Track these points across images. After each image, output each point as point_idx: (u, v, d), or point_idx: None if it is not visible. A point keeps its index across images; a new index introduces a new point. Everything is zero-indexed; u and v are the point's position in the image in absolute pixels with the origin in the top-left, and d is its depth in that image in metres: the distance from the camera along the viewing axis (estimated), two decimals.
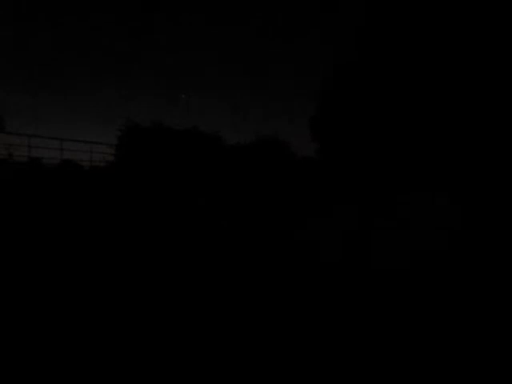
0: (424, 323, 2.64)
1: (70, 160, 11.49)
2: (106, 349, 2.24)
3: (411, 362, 2.13)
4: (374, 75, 13.29)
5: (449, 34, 10.88)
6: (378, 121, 13.15)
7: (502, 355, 2.20)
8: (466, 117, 10.46)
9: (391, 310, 2.89)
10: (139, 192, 9.73)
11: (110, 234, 5.19)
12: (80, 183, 9.47)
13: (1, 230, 5.10)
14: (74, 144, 14.25)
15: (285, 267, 4.03)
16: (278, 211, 8.77)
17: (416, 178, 9.81)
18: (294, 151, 17.44)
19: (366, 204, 8.95)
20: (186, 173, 12.86)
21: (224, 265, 4.06)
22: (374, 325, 2.61)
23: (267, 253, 4.59)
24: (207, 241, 5.14)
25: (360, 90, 13.89)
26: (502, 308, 2.94)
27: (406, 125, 12.24)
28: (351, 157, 14.28)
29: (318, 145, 17.13)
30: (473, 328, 2.57)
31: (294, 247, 4.93)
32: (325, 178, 14.07)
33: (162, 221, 5.88)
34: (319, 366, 2.09)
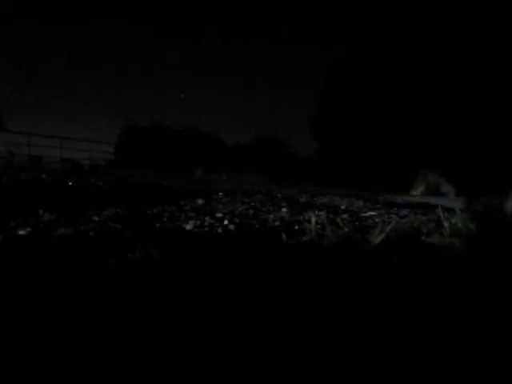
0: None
1: (69, 158, 11.48)
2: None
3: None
4: (372, 78, 13.30)
5: (444, 44, 10.95)
6: (374, 123, 13.16)
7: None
8: (451, 124, 10.56)
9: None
10: (138, 191, 9.69)
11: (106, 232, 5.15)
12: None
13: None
14: (75, 143, 14.26)
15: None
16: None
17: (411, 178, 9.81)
18: (293, 151, 17.43)
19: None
20: (186, 172, 12.85)
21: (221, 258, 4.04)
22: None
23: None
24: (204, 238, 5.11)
25: (358, 92, 13.91)
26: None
27: (399, 127, 12.28)
28: (350, 156, 14.29)
29: (318, 145, 17.16)
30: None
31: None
32: (325, 177, 14.04)
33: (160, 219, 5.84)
34: None
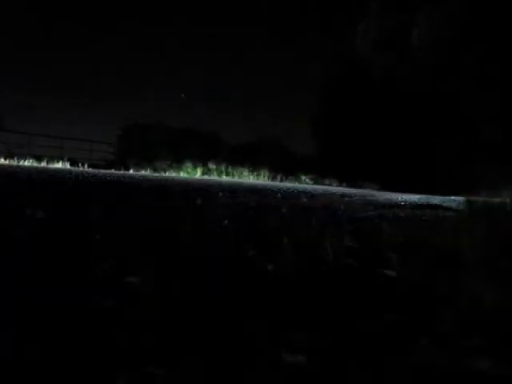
0: None
1: (70, 158, 11.49)
2: None
3: None
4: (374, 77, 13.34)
5: None
6: (375, 122, 13.20)
7: None
8: None
9: None
10: (138, 191, 9.69)
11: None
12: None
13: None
14: (75, 143, 14.27)
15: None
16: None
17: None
18: (293, 151, 17.38)
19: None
20: (186, 172, 12.84)
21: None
22: None
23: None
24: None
25: (360, 91, 13.94)
26: None
27: (401, 127, 12.38)
28: (351, 156, 14.31)
29: (319, 143, 17.18)
30: None
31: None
32: (325, 176, 14.03)
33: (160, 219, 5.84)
34: None
